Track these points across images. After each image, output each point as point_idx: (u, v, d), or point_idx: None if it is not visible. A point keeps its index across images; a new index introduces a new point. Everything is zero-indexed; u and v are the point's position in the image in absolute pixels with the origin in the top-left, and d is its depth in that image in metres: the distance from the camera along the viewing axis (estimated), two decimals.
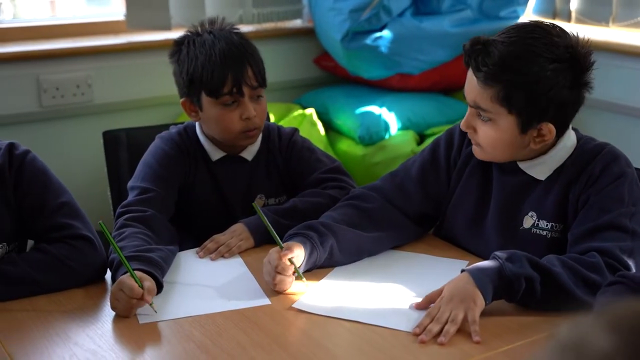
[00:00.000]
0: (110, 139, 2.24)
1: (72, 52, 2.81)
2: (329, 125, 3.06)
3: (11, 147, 1.66)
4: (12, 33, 2.85)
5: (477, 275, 1.41)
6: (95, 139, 2.79)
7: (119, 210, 1.81)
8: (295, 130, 2.09)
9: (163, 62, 2.95)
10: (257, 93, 1.91)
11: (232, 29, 1.98)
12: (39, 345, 1.38)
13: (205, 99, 1.89)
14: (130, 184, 1.91)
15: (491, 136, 1.58)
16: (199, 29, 1.97)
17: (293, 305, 1.49)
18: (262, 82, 1.91)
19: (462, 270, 1.45)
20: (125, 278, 1.47)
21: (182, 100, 1.96)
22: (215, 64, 1.87)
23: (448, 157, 1.79)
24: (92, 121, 2.88)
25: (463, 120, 1.61)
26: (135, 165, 2.13)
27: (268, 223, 1.64)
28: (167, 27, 2.92)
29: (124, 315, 1.46)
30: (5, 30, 2.85)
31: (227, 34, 1.94)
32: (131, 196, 1.86)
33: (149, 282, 1.47)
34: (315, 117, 2.96)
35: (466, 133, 1.76)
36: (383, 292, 1.55)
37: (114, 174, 2.23)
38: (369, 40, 2.87)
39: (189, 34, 1.97)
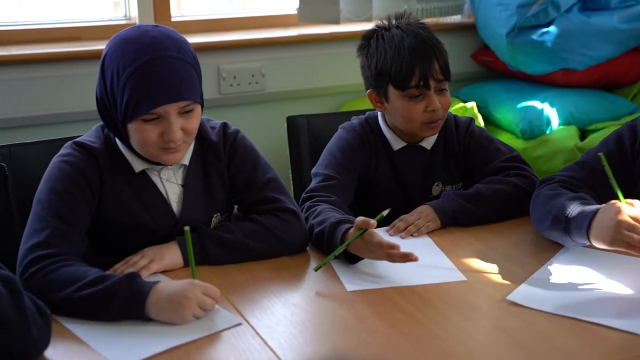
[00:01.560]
0: (293, 124, 2.38)
1: (248, 44, 2.99)
2: (487, 119, 3.11)
3: (225, 126, 1.82)
4: (194, 25, 3.07)
5: None
6: (267, 125, 2.98)
7: (304, 195, 1.95)
8: (471, 120, 2.17)
9: (331, 55, 3.13)
10: (441, 86, 2.00)
11: (419, 24, 2.07)
12: (261, 303, 1.53)
13: (392, 91, 2.00)
14: (314, 170, 2.05)
15: None
16: (387, 23, 2.08)
17: (507, 298, 1.51)
18: (447, 76, 2.00)
19: None
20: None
21: (368, 91, 2.07)
22: (404, 58, 1.96)
23: (632, 148, 1.82)
24: (264, 109, 3.06)
25: None
26: (314, 150, 2.27)
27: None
28: (336, 21, 3.05)
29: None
30: (188, 22, 3.07)
31: (415, 29, 2.03)
32: (315, 182, 1.99)
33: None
34: (475, 110, 3.03)
35: None
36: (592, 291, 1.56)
37: (295, 158, 2.37)
38: (535, 36, 2.90)
39: (377, 28, 2.08)
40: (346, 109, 3.07)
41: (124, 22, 2.98)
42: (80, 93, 2.72)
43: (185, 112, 1.62)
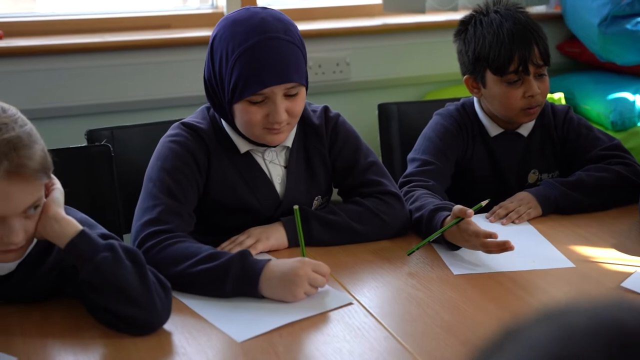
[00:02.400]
0: (384, 111, 2.38)
1: (334, 33, 2.99)
2: (574, 110, 3.05)
3: (326, 109, 1.84)
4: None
5: None
6: (352, 114, 2.95)
7: (401, 180, 1.94)
8: (569, 108, 2.14)
9: (416, 44, 3.12)
10: (541, 71, 1.97)
11: (518, 8, 2.04)
12: (369, 283, 1.54)
13: (489, 77, 1.97)
14: (410, 156, 2.04)
15: None
16: (485, 8, 2.05)
17: (622, 285, 1.49)
18: (546, 61, 1.97)
19: None
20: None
21: (465, 77, 2.05)
22: (502, 43, 1.94)
23: None
24: (348, 97, 3.06)
25: None
26: (404, 137, 2.26)
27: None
28: (422, 11, 3.04)
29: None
30: None
31: (514, 13, 2.00)
32: (412, 167, 1.98)
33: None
34: (563, 102, 2.98)
35: None
36: None
37: (386, 145, 2.37)
38: (629, 25, 2.84)
39: (474, 13, 2.05)
40: (428, 99, 3.05)
41: (211, 11, 3.02)
42: (170, 79, 2.77)
43: (291, 95, 1.63)
